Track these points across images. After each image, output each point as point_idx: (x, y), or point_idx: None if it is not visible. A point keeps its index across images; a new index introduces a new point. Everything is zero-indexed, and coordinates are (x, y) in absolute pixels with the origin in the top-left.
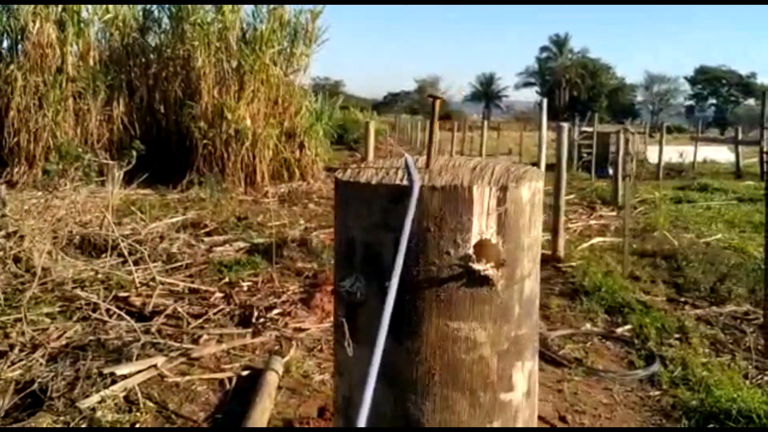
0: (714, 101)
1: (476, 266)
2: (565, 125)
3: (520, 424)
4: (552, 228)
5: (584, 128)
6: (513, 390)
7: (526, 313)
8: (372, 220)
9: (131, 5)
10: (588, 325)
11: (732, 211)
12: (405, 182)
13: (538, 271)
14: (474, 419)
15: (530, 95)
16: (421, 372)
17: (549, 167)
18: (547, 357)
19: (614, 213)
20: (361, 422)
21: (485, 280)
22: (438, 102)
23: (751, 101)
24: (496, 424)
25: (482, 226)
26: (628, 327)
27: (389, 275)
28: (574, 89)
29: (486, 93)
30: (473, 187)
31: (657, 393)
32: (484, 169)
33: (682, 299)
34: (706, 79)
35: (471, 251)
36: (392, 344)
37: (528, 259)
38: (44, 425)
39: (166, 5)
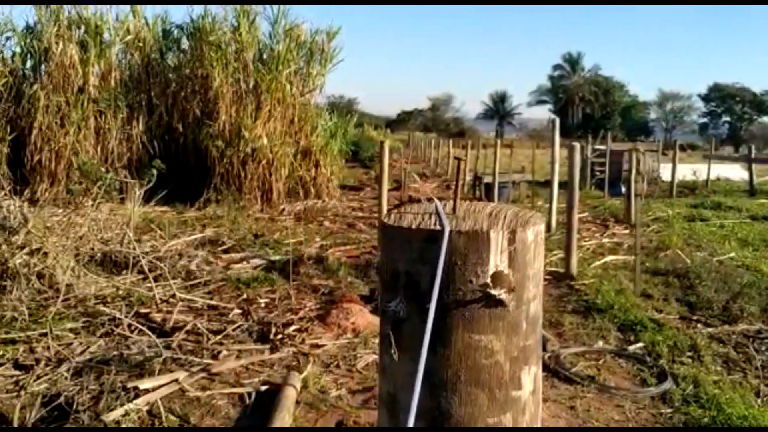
0: (728, 119)
1: (493, 291)
2: (577, 145)
3: (527, 417)
4: (565, 246)
5: (597, 146)
6: (522, 389)
7: (532, 328)
8: (412, 256)
9: (152, 25)
10: (600, 343)
11: (745, 230)
12: (437, 227)
13: (541, 295)
14: (492, 411)
15: (543, 113)
16: (451, 374)
17: (562, 185)
18: (560, 374)
19: (627, 231)
20: (410, 423)
21: (500, 302)
22: (462, 162)
23: (765, 119)
24: (508, 416)
25: (497, 260)
26: (640, 345)
27: (426, 299)
28: (588, 107)
29: (499, 111)
30: (490, 231)
31: (669, 410)
32: (498, 214)
33: (695, 317)
34: (720, 97)
35: (489, 280)
36: (428, 352)
37: (533, 285)
38: None
39: (186, 25)
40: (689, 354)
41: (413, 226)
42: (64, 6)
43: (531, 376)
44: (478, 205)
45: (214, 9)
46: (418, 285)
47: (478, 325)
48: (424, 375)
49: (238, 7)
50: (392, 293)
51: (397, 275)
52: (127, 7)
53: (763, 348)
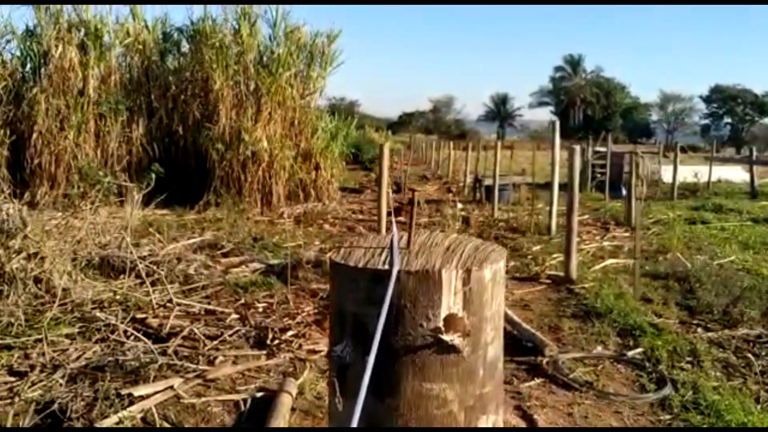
0: (729, 120)
1: (445, 337)
2: (577, 147)
3: None
4: (565, 250)
5: (598, 148)
6: None
7: (490, 374)
8: (359, 296)
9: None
10: (599, 348)
11: (746, 232)
12: (385, 265)
13: (501, 337)
14: None
15: (544, 115)
16: (400, 424)
17: (563, 187)
18: (559, 380)
19: (627, 234)
20: None
21: (453, 348)
22: (416, 193)
23: (767, 120)
24: None
25: (450, 302)
26: (639, 350)
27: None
28: (589, 109)
29: (500, 113)
30: (442, 271)
31: (668, 417)
32: (456, 249)
33: (695, 322)
34: (721, 98)
35: (441, 324)
36: (375, 401)
37: (491, 327)
38: None
39: (186, 28)
40: (689, 359)
41: (360, 264)
42: (64, 8)
43: (489, 425)
44: (437, 237)
45: (215, 11)
46: (366, 328)
47: (429, 372)
48: (372, 426)
49: (238, 9)
50: (339, 336)
51: (344, 317)
52: (126, 10)
53: (763, 353)
